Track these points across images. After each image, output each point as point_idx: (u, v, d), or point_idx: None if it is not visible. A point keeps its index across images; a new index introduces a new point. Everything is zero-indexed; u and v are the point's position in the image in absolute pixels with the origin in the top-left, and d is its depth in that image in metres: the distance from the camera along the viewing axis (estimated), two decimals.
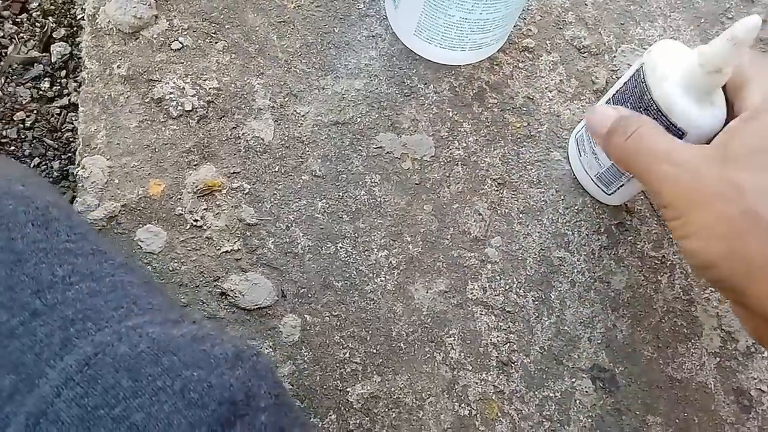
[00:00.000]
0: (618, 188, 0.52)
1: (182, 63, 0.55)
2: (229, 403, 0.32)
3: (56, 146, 0.61)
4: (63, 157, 0.61)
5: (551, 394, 0.51)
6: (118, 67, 0.54)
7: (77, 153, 0.52)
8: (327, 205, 0.53)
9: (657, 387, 0.53)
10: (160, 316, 0.36)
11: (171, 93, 0.54)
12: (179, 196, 0.52)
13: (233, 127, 0.54)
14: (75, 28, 0.64)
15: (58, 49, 0.63)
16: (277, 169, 0.53)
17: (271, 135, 0.54)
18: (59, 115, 0.62)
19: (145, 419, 0.30)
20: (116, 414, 0.30)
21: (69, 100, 0.62)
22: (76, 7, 0.64)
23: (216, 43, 0.56)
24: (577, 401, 0.51)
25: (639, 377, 0.53)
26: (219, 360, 0.34)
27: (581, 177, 0.55)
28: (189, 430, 0.30)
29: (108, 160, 0.52)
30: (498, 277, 0.53)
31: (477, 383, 0.51)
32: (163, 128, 0.53)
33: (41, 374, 0.31)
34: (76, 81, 0.63)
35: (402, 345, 0.51)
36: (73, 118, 0.60)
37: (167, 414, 0.30)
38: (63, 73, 0.63)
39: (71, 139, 0.61)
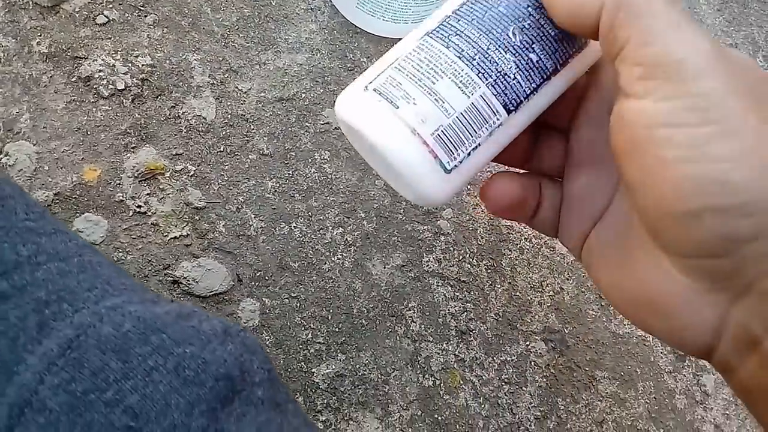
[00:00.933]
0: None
1: (110, 38, 0.50)
2: (225, 378, 0.30)
3: None
4: None
5: (508, 358, 0.52)
6: (38, 44, 0.49)
7: None
8: (277, 185, 0.51)
9: (602, 344, 0.55)
10: (137, 296, 0.33)
11: (100, 71, 0.49)
12: (118, 182, 0.48)
13: (172, 106, 0.50)
14: None
15: None
16: (222, 149, 0.50)
17: (213, 113, 0.51)
18: None
19: (140, 401, 0.27)
20: (108, 398, 0.27)
21: None
22: None
23: (145, 16, 0.51)
24: (532, 363, 0.53)
25: (586, 335, 0.54)
26: (209, 335, 0.32)
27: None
28: (188, 409, 0.28)
29: (35, 145, 0.47)
30: (451, 249, 0.53)
31: (438, 353, 0.51)
32: (94, 109, 0.49)
33: (19, 361, 0.28)
34: None
35: (363, 321, 0.50)
36: None
37: (163, 394, 0.28)
38: None
39: None
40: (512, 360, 0.52)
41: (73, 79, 0.49)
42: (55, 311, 0.30)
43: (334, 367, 0.48)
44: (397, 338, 0.50)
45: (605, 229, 0.28)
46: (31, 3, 0.49)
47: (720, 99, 0.21)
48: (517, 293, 0.54)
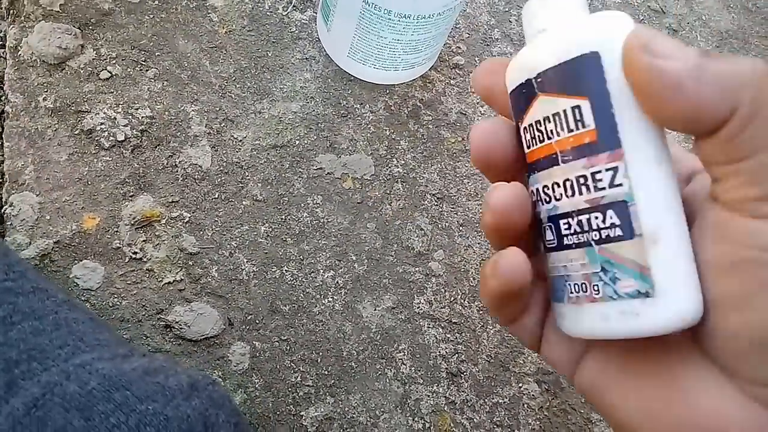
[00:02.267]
0: None
1: (112, 92, 0.52)
2: None
3: None
4: None
5: (500, 401, 0.51)
6: (44, 99, 0.51)
7: (4, 190, 0.49)
8: (270, 229, 0.51)
9: None
10: (109, 352, 0.34)
11: (102, 124, 0.51)
12: (116, 229, 0.49)
13: (169, 156, 0.51)
14: None
15: None
16: (216, 196, 0.51)
17: (209, 161, 0.52)
18: None
19: None
20: None
21: None
22: None
23: (147, 71, 0.53)
24: (525, 405, 0.51)
25: None
26: (174, 391, 0.32)
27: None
28: None
29: (38, 195, 0.48)
30: (443, 290, 0.53)
31: (429, 396, 0.50)
32: (95, 160, 0.50)
33: None
34: None
35: (353, 364, 0.50)
36: None
37: None
38: None
39: None
40: (504, 402, 0.51)
41: (76, 132, 0.50)
42: (24, 370, 0.30)
43: (323, 410, 0.48)
44: (387, 381, 0.50)
45: (617, 347, 0.24)
46: (39, 61, 0.51)
47: None
48: (510, 334, 0.53)
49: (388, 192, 0.54)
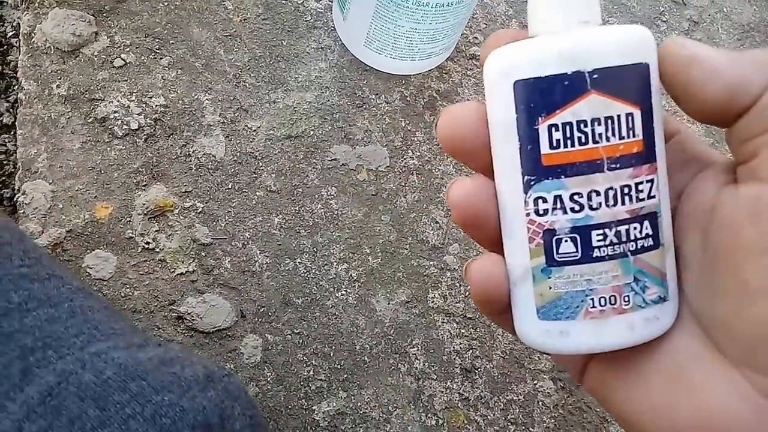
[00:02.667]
0: None
1: (126, 80, 0.51)
2: (203, 427, 0.29)
3: None
4: None
5: (515, 398, 0.50)
6: (58, 86, 0.50)
7: (17, 178, 0.48)
8: (283, 221, 0.50)
9: None
10: (124, 341, 0.33)
11: (115, 112, 0.50)
12: (128, 219, 0.48)
13: (183, 145, 0.51)
14: (5, 47, 0.59)
15: None
16: (230, 186, 0.50)
17: (223, 151, 0.51)
18: None
19: None
20: None
21: (0, 121, 0.57)
22: (5, 25, 0.59)
23: (161, 59, 0.52)
24: (540, 402, 0.50)
25: None
26: (190, 382, 0.31)
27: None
28: None
29: (50, 184, 0.48)
30: (458, 284, 0.52)
31: (442, 392, 0.49)
32: (109, 149, 0.49)
33: (1, 408, 0.28)
34: (7, 101, 0.58)
35: (366, 358, 0.49)
36: (6, 140, 0.55)
37: None
38: None
39: (4, 162, 0.56)
40: (519, 399, 0.50)
41: (90, 120, 0.50)
42: (39, 358, 0.30)
43: (335, 404, 0.47)
44: (400, 376, 0.49)
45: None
46: (52, 48, 0.51)
47: None
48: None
49: (403, 184, 0.53)
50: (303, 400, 0.47)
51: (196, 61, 0.53)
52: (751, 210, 0.20)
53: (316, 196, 0.51)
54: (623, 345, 0.23)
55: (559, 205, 0.23)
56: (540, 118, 0.22)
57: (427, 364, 0.49)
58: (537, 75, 0.22)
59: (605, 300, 0.23)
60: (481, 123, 0.23)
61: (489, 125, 0.23)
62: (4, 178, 0.56)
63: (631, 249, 0.23)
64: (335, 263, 0.50)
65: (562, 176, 0.22)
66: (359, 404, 0.47)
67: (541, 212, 0.23)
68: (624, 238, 0.23)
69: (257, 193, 0.51)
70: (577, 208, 0.22)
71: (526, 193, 0.23)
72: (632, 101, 0.22)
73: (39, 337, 0.31)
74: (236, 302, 0.48)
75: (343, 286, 0.50)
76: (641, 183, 0.23)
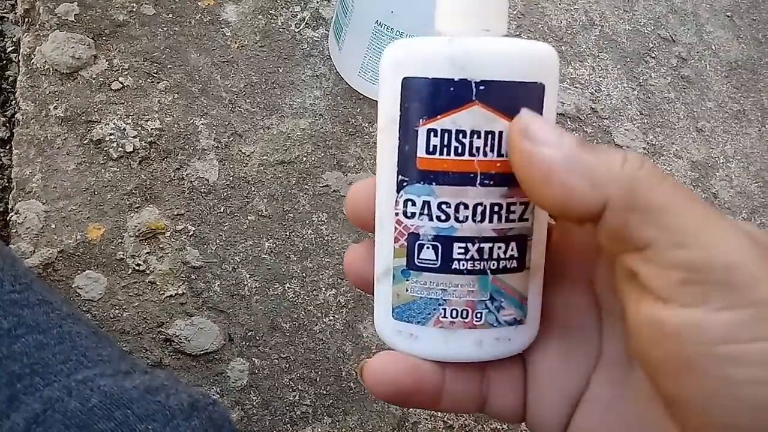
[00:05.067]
0: None
1: (123, 103, 0.51)
2: None
3: None
4: None
5: (499, 426, 0.50)
6: (55, 108, 0.50)
7: (11, 197, 0.48)
8: (274, 245, 0.50)
9: None
10: (111, 368, 0.33)
11: (111, 134, 0.50)
12: (120, 240, 0.48)
13: (177, 168, 0.51)
14: (4, 62, 0.59)
15: None
16: (222, 210, 0.50)
17: (216, 175, 0.51)
18: None
19: None
20: None
21: None
22: (5, 40, 0.59)
23: (158, 83, 0.52)
24: (524, 431, 0.50)
25: None
26: (174, 411, 0.31)
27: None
28: None
29: (44, 204, 0.48)
30: None
31: (427, 419, 0.49)
32: (103, 170, 0.49)
33: None
34: (4, 116, 0.58)
35: (352, 384, 0.48)
36: (1, 154, 0.55)
37: None
38: None
39: None
40: (503, 428, 0.50)
41: (86, 142, 0.50)
42: (26, 385, 0.30)
43: (320, 430, 0.47)
44: (385, 403, 0.48)
45: (594, 417, 0.23)
46: (51, 70, 0.51)
47: None
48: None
49: None
50: (288, 425, 0.46)
51: (192, 85, 0.53)
52: (652, 334, 0.19)
53: (307, 222, 0.51)
54: (468, 359, 0.23)
55: (426, 211, 0.22)
56: (421, 120, 0.21)
57: None
58: (425, 75, 0.21)
59: (457, 312, 0.22)
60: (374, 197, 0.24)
61: (378, 118, 0.23)
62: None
63: (491, 267, 0.22)
64: (324, 289, 0.50)
65: (434, 183, 0.22)
66: (344, 430, 0.47)
67: (408, 215, 0.22)
68: (486, 256, 0.22)
69: (249, 218, 0.51)
70: (443, 217, 0.22)
71: (398, 192, 0.22)
72: None
73: (27, 364, 0.31)
74: (224, 325, 0.47)
75: (331, 312, 0.50)
76: (514, 204, 0.22)
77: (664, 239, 0.19)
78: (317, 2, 0.57)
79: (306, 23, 0.57)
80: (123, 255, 0.47)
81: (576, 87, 0.61)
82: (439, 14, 0.23)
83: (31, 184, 0.48)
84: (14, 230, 0.46)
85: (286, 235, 0.51)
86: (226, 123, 0.53)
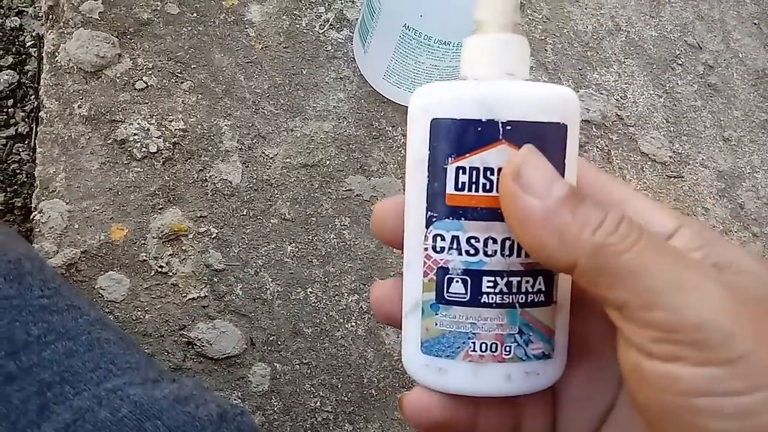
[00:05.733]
0: None
1: (147, 103, 0.51)
2: None
3: (1, 178, 0.55)
4: (8, 189, 0.55)
5: None
6: (79, 107, 0.49)
7: (34, 196, 0.47)
8: (296, 249, 0.50)
9: None
10: (140, 376, 0.33)
11: (135, 134, 0.49)
12: (143, 242, 0.47)
13: (200, 170, 0.50)
14: (23, 56, 0.59)
15: (4, 77, 0.57)
16: (245, 213, 0.50)
17: (239, 177, 0.51)
18: (5, 146, 0.56)
19: None
20: None
21: (16, 130, 0.57)
22: (24, 34, 0.59)
23: (182, 83, 0.52)
24: None
25: None
26: (204, 422, 0.30)
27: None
28: None
29: (67, 204, 0.47)
30: None
31: None
32: (127, 170, 0.49)
33: None
34: (23, 111, 0.57)
35: (373, 392, 0.48)
36: (20, 149, 0.55)
37: None
38: (10, 102, 0.58)
39: (17, 171, 0.55)
40: None
41: (109, 142, 0.49)
42: (57, 393, 0.29)
43: None
44: None
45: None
46: (75, 68, 0.50)
47: (761, 358, 0.18)
48: None
49: None
50: (309, 431, 0.46)
51: (216, 86, 0.52)
52: (636, 379, 0.20)
53: (330, 226, 0.51)
54: (498, 394, 0.23)
55: (455, 246, 0.23)
56: (450, 159, 0.22)
57: None
58: (453, 116, 0.22)
59: (486, 346, 0.23)
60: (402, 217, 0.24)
61: (406, 157, 0.24)
62: (16, 187, 0.55)
63: (520, 301, 0.23)
64: (346, 294, 0.49)
65: (463, 218, 0.22)
66: None
67: (437, 249, 0.23)
68: (515, 289, 0.22)
69: (271, 221, 0.50)
70: (472, 251, 0.22)
71: (427, 228, 0.23)
72: None
73: (57, 372, 0.30)
74: (246, 329, 0.47)
75: (353, 318, 0.49)
76: None
77: (634, 302, 0.19)
78: (342, 3, 0.57)
79: (330, 24, 0.56)
80: (146, 256, 0.47)
81: (602, 93, 0.60)
82: (466, 60, 0.24)
83: (55, 183, 0.47)
84: (38, 230, 0.46)
85: (308, 239, 0.50)
86: (250, 125, 0.52)
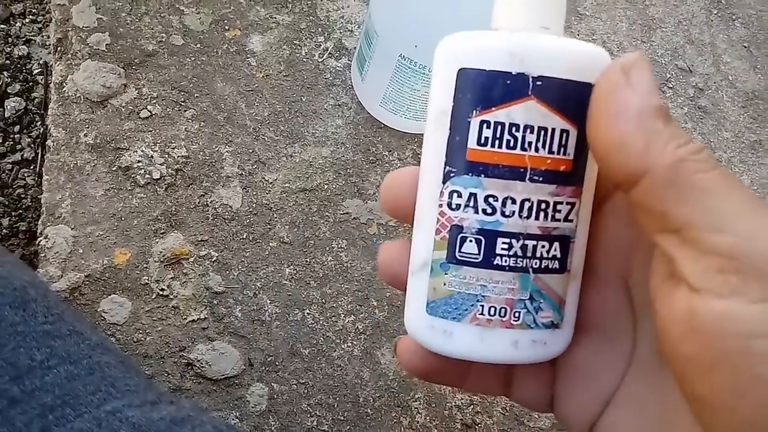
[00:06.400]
0: None
1: (151, 131, 0.52)
2: None
3: (7, 203, 0.56)
4: (13, 214, 0.57)
5: None
6: (85, 135, 0.51)
7: (40, 222, 0.49)
8: (294, 272, 0.51)
9: None
10: (138, 398, 0.34)
11: (139, 161, 0.51)
12: (145, 265, 0.49)
13: (201, 195, 0.51)
14: (30, 83, 0.61)
15: (11, 104, 0.59)
16: (245, 236, 0.51)
17: (240, 202, 0.52)
18: (11, 171, 0.58)
19: None
20: None
21: (22, 155, 0.58)
22: (32, 62, 0.61)
23: (185, 111, 0.53)
24: None
25: None
26: None
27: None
28: None
29: (72, 229, 0.48)
30: None
31: None
32: (130, 197, 0.50)
33: None
34: (30, 137, 0.59)
35: (369, 411, 0.48)
36: (26, 174, 0.56)
37: None
38: (16, 128, 0.59)
39: (22, 196, 0.57)
40: None
41: (114, 169, 0.51)
42: (58, 416, 0.30)
43: None
44: (402, 429, 0.48)
45: (625, 417, 0.22)
46: (82, 98, 0.52)
47: None
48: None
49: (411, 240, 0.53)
50: None
51: (218, 114, 0.54)
52: (683, 328, 0.18)
53: (327, 249, 0.52)
54: (503, 361, 0.22)
55: (472, 203, 0.21)
56: (475, 111, 0.21)
57: (428, 418, 0.49)
58: (482, 67, 0.21)
59: (495, 310, 0.22)
60: (416, 188, 0.23)
61: (427, 110, 0.23)
62: (20, 211, 0.57)
63: (534, 266, 0.22)
64: (343, 315, 0.50)
65: (482, 175, 0.21)
66: None
67: (453, 206, 0.22)
68: (529, 253, 0.21)
69: (270, 244, 0.51)
70: (489, 210, 0.21)
71: (444, 183, 0.22)
72: (572, 119, 0.21)
73: (58, 395, 0.31)
74: (245, 350, 0.48)
75: (350, 338, 0.50)
76: (561, 203, 0.22)
77: (702, 220, 0.18)
78: (340, 33, 0.58)
79: (329, 53, 0.58)
80: (148, 280, 0.48)
81: None
82: (499, 10, 0.23)
83: (61, 209, 0.49)
84: (43, 255, 0.47)
85: (306, 261, 0.51)
86: (250, 151, 0.53)
